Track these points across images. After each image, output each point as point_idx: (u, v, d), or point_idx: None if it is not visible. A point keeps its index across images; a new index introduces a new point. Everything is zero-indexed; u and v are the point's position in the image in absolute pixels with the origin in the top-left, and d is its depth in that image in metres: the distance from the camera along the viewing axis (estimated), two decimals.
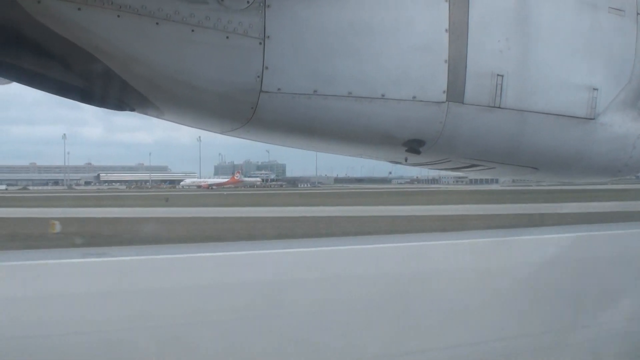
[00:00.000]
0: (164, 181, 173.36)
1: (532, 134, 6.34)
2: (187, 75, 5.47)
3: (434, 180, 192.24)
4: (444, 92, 5.89)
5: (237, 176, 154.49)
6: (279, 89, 5.53)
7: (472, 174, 7.05)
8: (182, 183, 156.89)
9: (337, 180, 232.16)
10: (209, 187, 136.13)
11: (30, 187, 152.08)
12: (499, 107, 6.04)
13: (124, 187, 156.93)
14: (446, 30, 5.83)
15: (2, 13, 5.04)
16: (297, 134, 6.18)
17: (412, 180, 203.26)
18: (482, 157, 6.58)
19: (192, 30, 5.24)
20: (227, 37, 5.32)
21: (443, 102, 5.91)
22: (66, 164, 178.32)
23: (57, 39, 5.13)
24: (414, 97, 5.84)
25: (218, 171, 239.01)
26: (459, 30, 5.86)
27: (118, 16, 5.09)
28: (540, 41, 6.21)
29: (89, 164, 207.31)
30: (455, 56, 5.86)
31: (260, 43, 5.39)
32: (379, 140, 6.20)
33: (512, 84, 6.04)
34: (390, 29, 5.75)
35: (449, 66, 5.86)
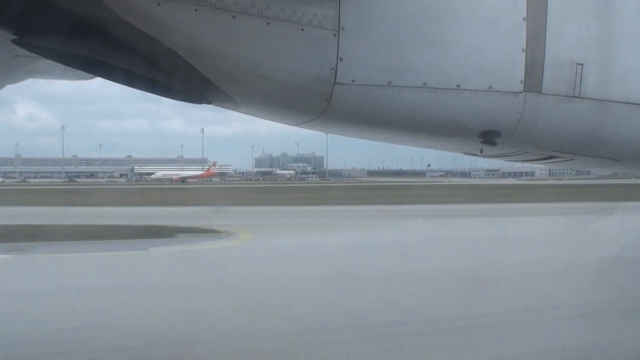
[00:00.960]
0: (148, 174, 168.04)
1: (613, 125, 6.16)
2: (262, 68, 5.49)
3: (463, 174, 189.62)
4: (521, 82, 5.76)
5: (213, 168, 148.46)
6: (353, 80, 5.49)
7: (549, 166, 6.90)
8: (152, 176, 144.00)
9: (371, 173, 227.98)
10: (181, 180, 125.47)
11: (59, 180, 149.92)
12: (579, 97, 5.88)
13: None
14: (524, 18, 5.70)
15: (87, 11, 5.16)
16: (371, 125, 6.13)
17: (446, 173, 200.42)
18: (560, 148, 6.42)
19: (268, 23, 5.25)
20: (302, 29, 5.32)
21: (520, 92, 5.79)
22: (101, 156, 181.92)
23: (138, 34, 5.20)
24: (490, 88, 5.73)
25: (259, 163, 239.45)
26: (537, 19, 5.72)
27: (196, 10, 5.13)
28: (622, 28, 6.02)
29: (130, 156, 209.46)
30: (533, 45, 5.72)
31: (335, 35, 5.37)
32: (454, 131, 6.11)
33: (592, 72, 5.88)
34: (466, 19, 5.65)
35: (526, 55, 5.72)
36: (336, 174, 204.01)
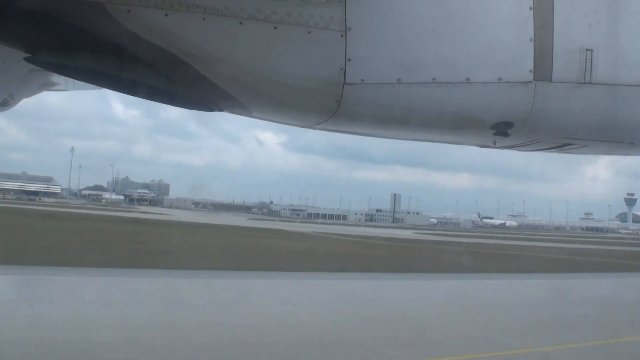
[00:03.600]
0: None
1: (626, 108, 6.08)
2: (272, 72, 5.53)
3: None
4: (530, 71, 5.73)
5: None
6: (362, 80, 5.51)
7: (563, 153, 6.83)
8: None
9: (197, 204, 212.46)
10: None
11: None
12: (590, 83, 5.83)
13: None
14: (530, 7, 5.67)
15: (96, 25, 5.23)
16: (383, 123, 6.16)
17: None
18: (574, 135, 6.36)
19: (275, 28, 5.28)
20: (309, 32, 5.35)
21: (530, 81, 5.76)
22: None
23: (147, 45, 5.28)
24: (500, 79, 5.72)
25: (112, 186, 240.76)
26: (543, 7, 5.69)
27: (203, 19, 5.18)
28: (630, 11, 5.94)
29: None
30: (541, 34, 5.69)
31: (342, 35, 5.39)
32: (466, 125, 6.10)
33: (602, 58, 5.82)
34: (472, 11, 5.64)
35: (534, 44, 5.69)
36: (158, 202, 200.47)
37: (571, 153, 6.78)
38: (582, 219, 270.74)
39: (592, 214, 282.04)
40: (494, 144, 6.46)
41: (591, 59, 5.80)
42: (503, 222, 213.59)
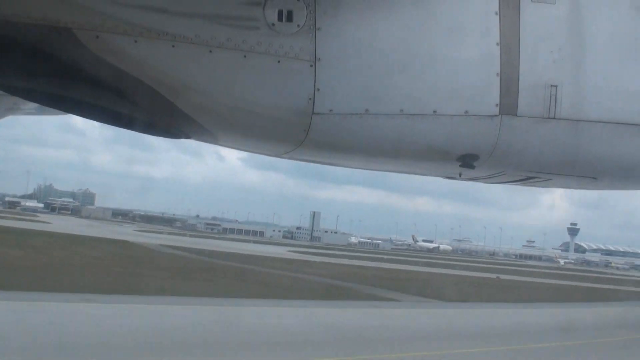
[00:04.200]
0: None
1: (589, 144, 6.23)
2: (240, 100, 5.50)
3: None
4: (496, 105, 5.83)
5: None
6: (330, 110, 5.51)
7: (528, 186, 6.97)
8: None
9: (116, 213, 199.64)
10: None
11: None
12: (554, 118, 5.96)
13: None
14: (497, 43, 5.78)
15: (63, 50, 5.15)
16: (351, 153, 6.14)
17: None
18: (538, 169, 6.48)
19: (245, 56, 5.28)
20: (279, 61, 5.35)
21: (496, 115, 5.85)
22: None
23: (115, 71, 5.21)
24: (467, 112, 5.79)
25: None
26: (510, 43, 5.81)
27: (173, 46, 5.16)
28: (594, 49, 6.13)
29: None
30: (507, 69, 5.80)
31: (312, 65, 5.40)
32: (432, 156, 6.15)
33: (567, 93, 5.96)
34: (440, 45, 5.72)
35: (501, 79, 5.80)
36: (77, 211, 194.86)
37: (536, 186, 6.91)
38: (524, 246, 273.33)
39: (534, 241, 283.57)
40: (460, 175, 6.52)
41: (556, 95, 5.93)
42: (437, 245, 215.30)
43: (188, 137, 6.06)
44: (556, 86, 5.94)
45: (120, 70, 5.19)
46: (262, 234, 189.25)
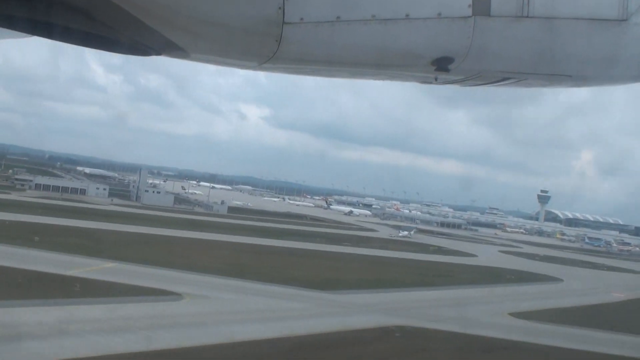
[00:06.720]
0: None
1: (564, 41, 6.16)
2: (209, 12, 5.40)
3: None
4: (469, 6, 5.75)
5: None
6: (301, 19, 5.44)
7: (504, 88, 6.91)
8: None
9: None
10: None
11: None
12: (527, 17, 5.88)
13: None
14: None
15: None
16: (324, 63, 6.11)
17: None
18: (513, 69, 6.43)
19: None
20: None
21: (469, 16, 5.78)
22: None
23: None
24: (439, 14, 5.72)
25: None
26: None
27: None
28: None
29: None
30: None
31: None
32: (407, 61, 6.11)
33: None
34: None
35: None
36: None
37: (512, 87, 6.86)
38: (486, 212, 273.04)
39: (497, 208, 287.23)
40: (436, 79, 6.50)
41: None
42: (351, 210, 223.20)
43: (159, 54, 6.01)
44: None
45: None
46: None
